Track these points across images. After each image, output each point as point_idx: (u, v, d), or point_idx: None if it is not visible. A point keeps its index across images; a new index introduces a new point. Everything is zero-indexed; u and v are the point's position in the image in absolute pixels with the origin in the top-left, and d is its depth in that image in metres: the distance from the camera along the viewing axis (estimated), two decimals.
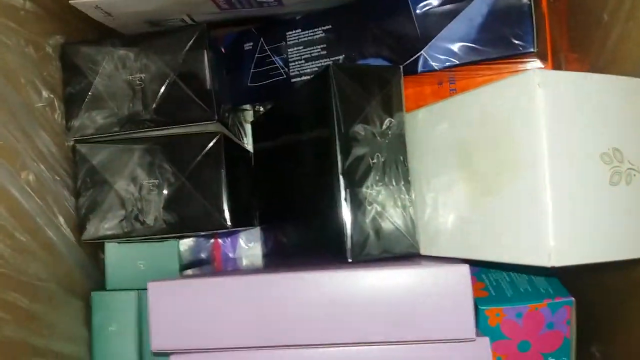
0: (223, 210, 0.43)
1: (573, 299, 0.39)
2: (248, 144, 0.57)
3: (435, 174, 0.38)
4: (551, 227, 0.29)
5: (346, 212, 0.37)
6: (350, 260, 0.37)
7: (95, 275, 0.46)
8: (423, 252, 0.39)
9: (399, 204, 0.38)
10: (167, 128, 0.43)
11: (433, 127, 0.38)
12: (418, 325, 0.34)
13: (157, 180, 0.43)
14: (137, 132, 0.44)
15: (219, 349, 0.36)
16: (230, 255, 0.58)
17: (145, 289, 0.43)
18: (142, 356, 0.44)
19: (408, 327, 0.34)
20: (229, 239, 0.58)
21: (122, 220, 0.43)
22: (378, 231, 0.38)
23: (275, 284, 0.35)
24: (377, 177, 0.38)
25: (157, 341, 0.36)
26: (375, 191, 0.38)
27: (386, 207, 0.38)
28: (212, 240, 0.58)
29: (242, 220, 0.48)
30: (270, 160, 0.51)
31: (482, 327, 0.39)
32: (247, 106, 0.56)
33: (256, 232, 0.58)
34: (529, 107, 0.30)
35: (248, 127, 0.57)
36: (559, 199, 0.29)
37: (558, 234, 0.29)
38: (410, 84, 0.47)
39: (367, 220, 0.37)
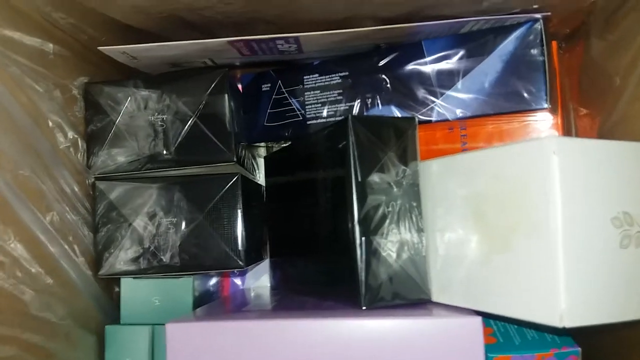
0: (239, 252, 0.44)
1: (579, 349, 0.40)
2: (260, 177, 0.58)
3: (447, 225, 0.39)
4: (563, 289, 0.30)
5: (361, 259, 0.38)
6: (364, 307, 0.38)
7: (109, 310, 0.47)
8: (435, 299, 0.40)
9: (413, 252, 0.39)
10: (187, 168, 0.44)
11: (447, 179, 0.39)
12: None
13: (175, 219, 0.44)
14: (157, 171, 0.45)
15: None
16: (239, 285, 0.59)
17: (159, 324, 0.45)
18: None
19: None
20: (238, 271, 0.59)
21: (139, 257, 0.44)
22: (392, 278, 0.39)
23: (290, 329, 0.36)
24: (392, 226, 0.39)
25: None
26: (389, 239, 0.39)
27: (400, 255, 0.39)
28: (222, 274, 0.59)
29: (254, 257, 0.49)
30: (283, 196, 0.52)
31: None
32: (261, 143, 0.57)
33: (265, 264, 0.59)
34: (544, 173, 0.31)
35: (260, 161, 0.59)
36: (571, 262, 0.30)
37: (570, 296, 0.30)
38: (422, 127, 0.48)
39: (382, 268, 0.38)
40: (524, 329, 0.42)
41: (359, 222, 0.38)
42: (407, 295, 0.39)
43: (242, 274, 0.59)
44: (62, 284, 0.40)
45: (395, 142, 0.40)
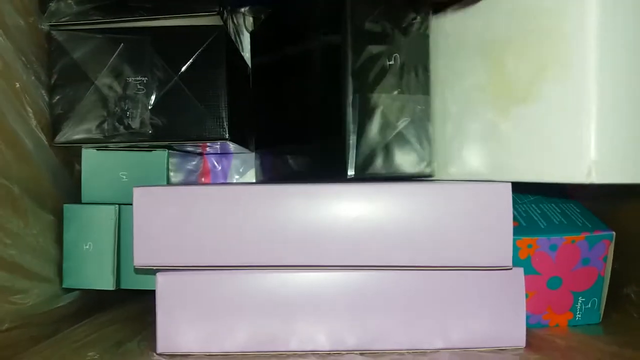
0: (222, 119, 0.37)
1: (613, 232, 0.35)
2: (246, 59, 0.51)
3: (461, 81, 0.33)
4: (594, 138, 0.25)
5: (353, 120, 0.32)
6: (351, 174, 0.32)
7: (68, 188, 0.40)
8: (438, 175, 0.35)
9: (416, 116, 0.33)
10: (160, 18, 0.37)
11: (463, 27, 0.33)
12: (447, 248, 0.30)
13: (146, 78, 0.37)
14: (124, 22, 0.37)
15: (210, 267, 0.31)
16: (221, 182, 0.53)
17: (126, 204, 0.39)
18: (119, 278, 0.39)
19: (435, 250, 0.30)
20: (220, 165, 0.53)
21: (102, 122, 0.37)
22: (388, 146, 0.33)
23: (280, 195, 0.30)
24: (393, 82, 0.33)
25: (141, 255, 0.31)
26: (388, 98, 0.33)
27: (400, 119, 0.33)
28: (200, 166, 0.52)
29: (239, 138, 0.42)
30: (271, 77, 0.45)
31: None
32: (247, 10, 0.50)
33: (250, 158, 0.53)
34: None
35: (245, 39, 0.51)
36: (604, 107, 0.25)
37: (600, 147, 0.25)
38: None
39: (376, 131, 0.32)
40: (548, 214, 0.37)
41: (353, 74, 0.32)
42: (406, 167, 0.33)
43: (224, 169, 0.53)
44: (7, 141, 0.33)
45: None
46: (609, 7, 0.25)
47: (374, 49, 0.32)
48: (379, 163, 0.33)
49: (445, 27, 0.34)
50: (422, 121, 0.33)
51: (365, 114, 0.32)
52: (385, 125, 0.32)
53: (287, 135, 0.42)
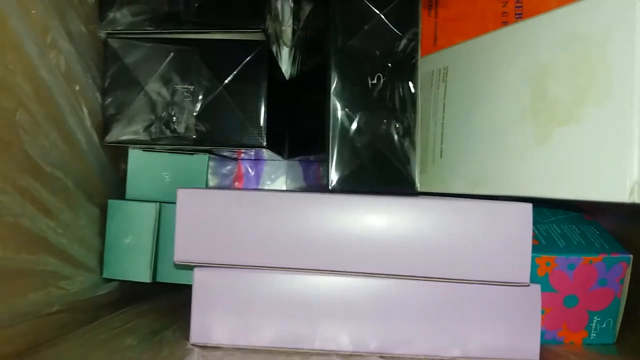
0: (261, 128, 0.40)
1: (631, 255, 0.36)
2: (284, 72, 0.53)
3: (495, 101, 0.34)
4: (637, 157, 0.26)
5: (333, 136, 0.33)
6: (331, 189, 0.34)
7: (115, 184, 0.43)
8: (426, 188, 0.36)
9: (400, 134, 0.34)
10: (208, 32, 0.40)
11: (502, 50, 0.34)
12: (469, 262, 0.31)
13: (192, 86, 0.40)
14: (175, 33, 0.40)
15: (246, 267, 0.33)
16: (252, 187, 0.55)
17: (167, 202, 0.41)
18: (156, 272, 0.42)
19: (457, 264, 0.31)
20: (253, 171, 0.55)
21: (150, 125, 0.40)
22: (370, 162, 0.34)
23: (311, 203, 0.32)
24: (376, 101, 0.34)
25: (181, 251, 0.34)
26: (370, 117, 0.34)
27: (382, 137, 0.34)
28: (235, 170, 0.55)
29: (274, 146, 0.45)
30: (298, 89, 0.47)
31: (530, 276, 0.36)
32: (289, 22, 0.52)
33: (282, 166, 0.55)
34: (626, 24, 0.26)
35: (285, 53, 0.54)
36: None
37: None
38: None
39: (358, 148, 0.34)
40: (568, 234, 0.38)
41: (335, 92, 0.33)
42: (388, 184, 0.34)
43: (257, 174, 0.55)
44: (64, 137, 0.36)
45: (389, 3, 0.34)
46: None
47: (356, 68, 0.34)
48: (359, 179, 0.34)
49: (474, 58, 0.36)
50: (407, 139, 0.34)
51: (347, 131, 0.34)
52: (367, 143, 0.34)
53: (307, 147, 0.44)
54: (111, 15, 0.40)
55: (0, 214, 0.30)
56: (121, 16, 0.40)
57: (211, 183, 0.46)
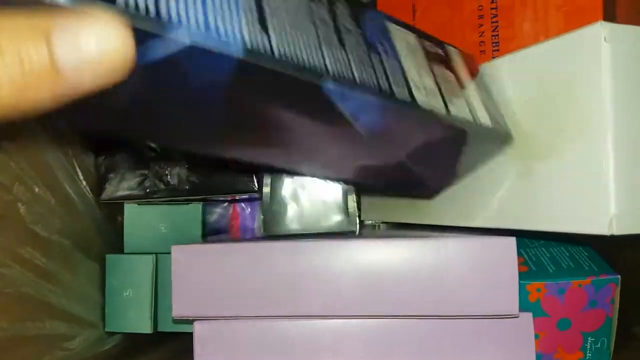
0: (251, 174, 0.41)
1: (619, 276, 0.37)
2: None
3: None
4: (613, 192, 0.27)
5: (266, 183, 0.35)
6: (264, 233, 0.35)
7: (111, 238, 0.44)
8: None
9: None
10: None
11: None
12: (458, 298, 0.32)
13: None
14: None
15: (244, 317, 0.34)
16: (249, 225, 0.56)
17: (164, 253, 0.42)
18: (156, 322, 0.42)
19: (447, 301, 0.32)
20: (249, 209, 0.56)
21: (143, 180, 0.41)
22: (305, 205, 0.35)
23: (306, 251, 0.33)
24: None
25: (179, 307, 0.34)
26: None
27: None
28: (230, 210, 0.56)
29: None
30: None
31: (521, 302, 0.36)
32: None
33: None
34: (594, 64, 0.27)
35: None
36: (621, 164, 0.27)
37: (620, 201, 0.27)
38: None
39: (290, 193, 0.35)
40: (557, 258, 0.39)
41: None
42: (324, 225, 0.36)
43: (252, 213, 0.56)
44: (61, 201, 0.37)
45: None
46: (621, 66, 0.27)
47: None
48: (292, 222, 0.35)
49: None
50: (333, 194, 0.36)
51: (279, 177, 0.35)
52: (302, 187, 0.35)
53: None
54: None
55: (2, 286, 0.31)
56: None
57: (208, 222, 0.48)
